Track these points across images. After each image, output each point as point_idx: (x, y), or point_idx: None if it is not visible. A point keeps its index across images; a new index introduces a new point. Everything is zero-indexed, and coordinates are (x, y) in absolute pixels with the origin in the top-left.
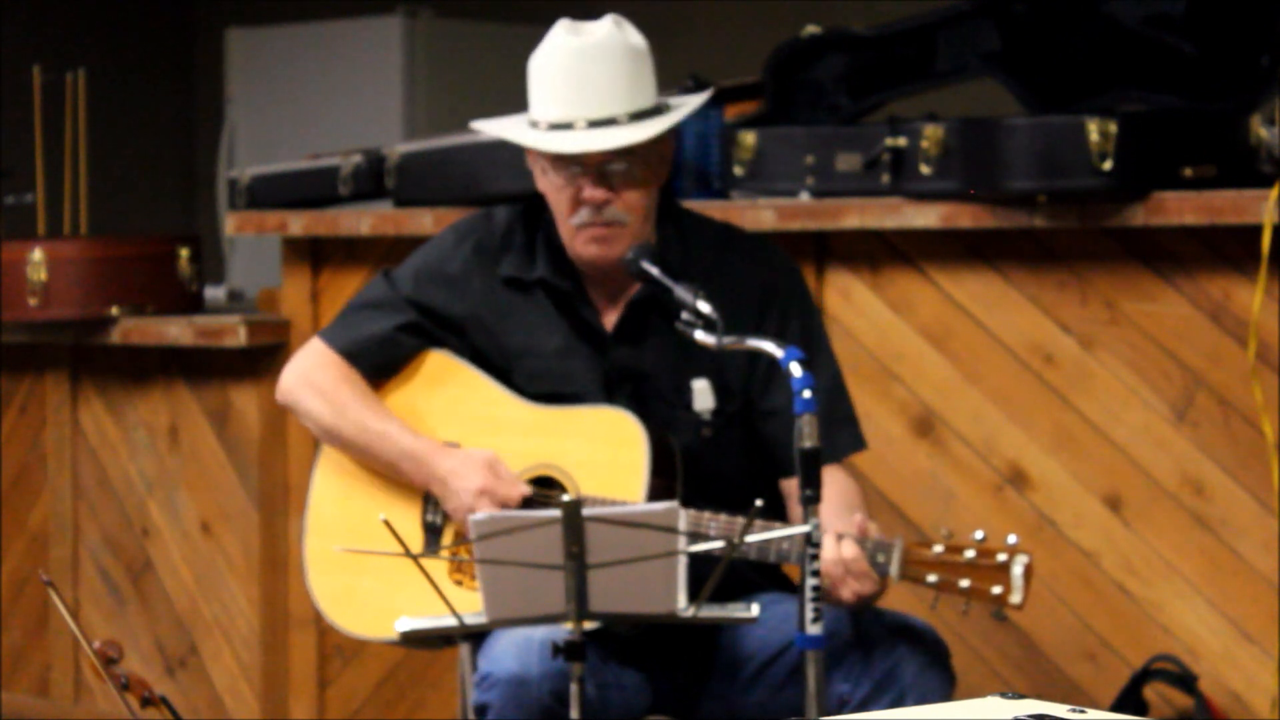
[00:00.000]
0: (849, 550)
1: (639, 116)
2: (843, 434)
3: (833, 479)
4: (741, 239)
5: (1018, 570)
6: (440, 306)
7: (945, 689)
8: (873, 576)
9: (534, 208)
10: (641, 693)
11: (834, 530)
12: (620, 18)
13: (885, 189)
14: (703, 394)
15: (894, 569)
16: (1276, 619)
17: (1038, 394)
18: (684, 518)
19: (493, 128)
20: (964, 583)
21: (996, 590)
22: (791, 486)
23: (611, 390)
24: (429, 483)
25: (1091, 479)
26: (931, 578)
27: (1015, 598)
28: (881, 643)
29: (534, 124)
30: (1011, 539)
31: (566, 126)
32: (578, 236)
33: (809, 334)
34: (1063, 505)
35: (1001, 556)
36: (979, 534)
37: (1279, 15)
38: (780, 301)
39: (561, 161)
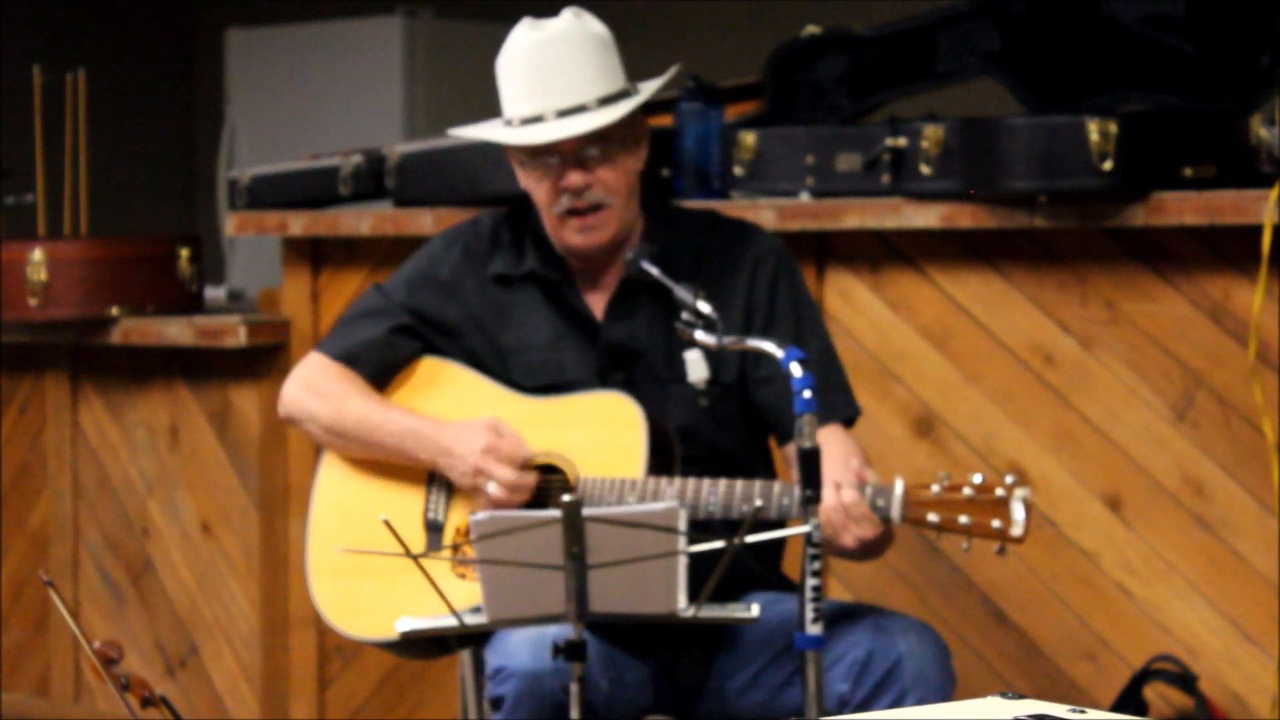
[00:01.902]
0: (848, 495)
1: (607, 101)
2: (836, 398)
3: (831, 438)
4: (725, 221)
5: (1017, 504)
6: (434, 311)
7: (945, 689)
8: (873, 520)
9: (519, 208)
10: (643, 691)
11: (832, 479)
12: (579, 9)
13: (885, 189)
14: (696, 364)
15: (895, 511)
16: (1276, 619)
17: (1038, 394)
18: (683, 518)
19: (471, 131)
20: (963, 519)
21: (996, 524)
22: (791, 452)
23: (605, 375)
24: (435, 457)
25: (1091, 479)
26: (932, 517)
27: (1016, 531)
28: (881, 643)
29: (507, 122)
30: (1009, 478)
31: (537, 119)
32: (564, 226)
33: (797, 303)
34: (1063, 505)
35: (1000, 492)
36: (977, 477)
37: (1279, 15)
38: (768, 272)
39: (538, 154)
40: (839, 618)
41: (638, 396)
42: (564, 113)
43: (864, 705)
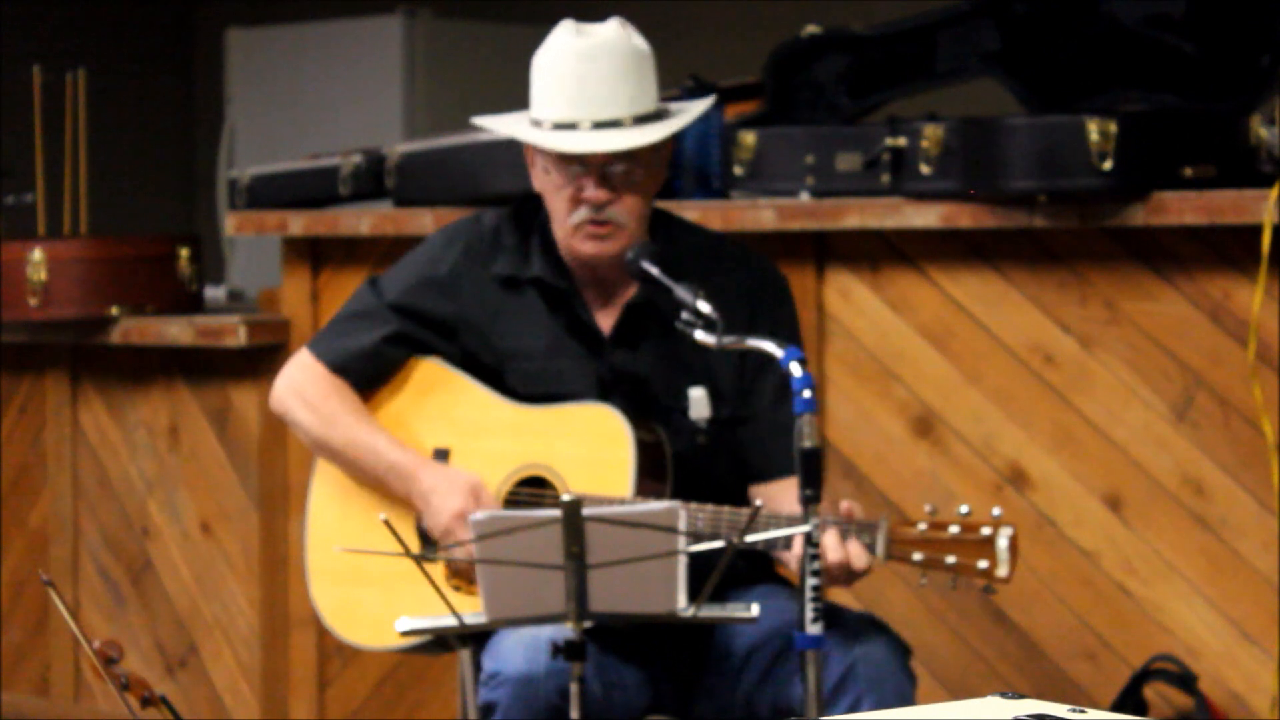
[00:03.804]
0: (856, 552)
1: (642, 120)
2: None
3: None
4: (730, 247)
5: (1003, 543)
6: (429, 310)
7: (905, 690)
8: (867, 559)
9: (524, 208)
10: (642, 691)
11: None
12: (624, 20)
13: (885, 189)
14: (699, 403)
15: (879, 550)
16: (1276, 619)
17: (1038, 394)
18: (683, 517)
19: (497, 124)
20: (950, 559)
21: (983, 565)
22: (761, 493)
23: (606, 392)
24: (412, 496)
25: (1091, 479)
26: (917, 556)
27: (1002, 571)
28: (837, 646)
29: (537, 123)
30: (996, 511)
31: (571, 126)
32: (575, 234)
33: (793, 343)
34: (1063, 505)
35: (986, 530)
36: (964, 508)
37: (1279, 15)
38: (768, 309)
39: (564, 161)
40: (794, 624)
41: (637, 419)
42: (599, 125)
43: (822, 710)
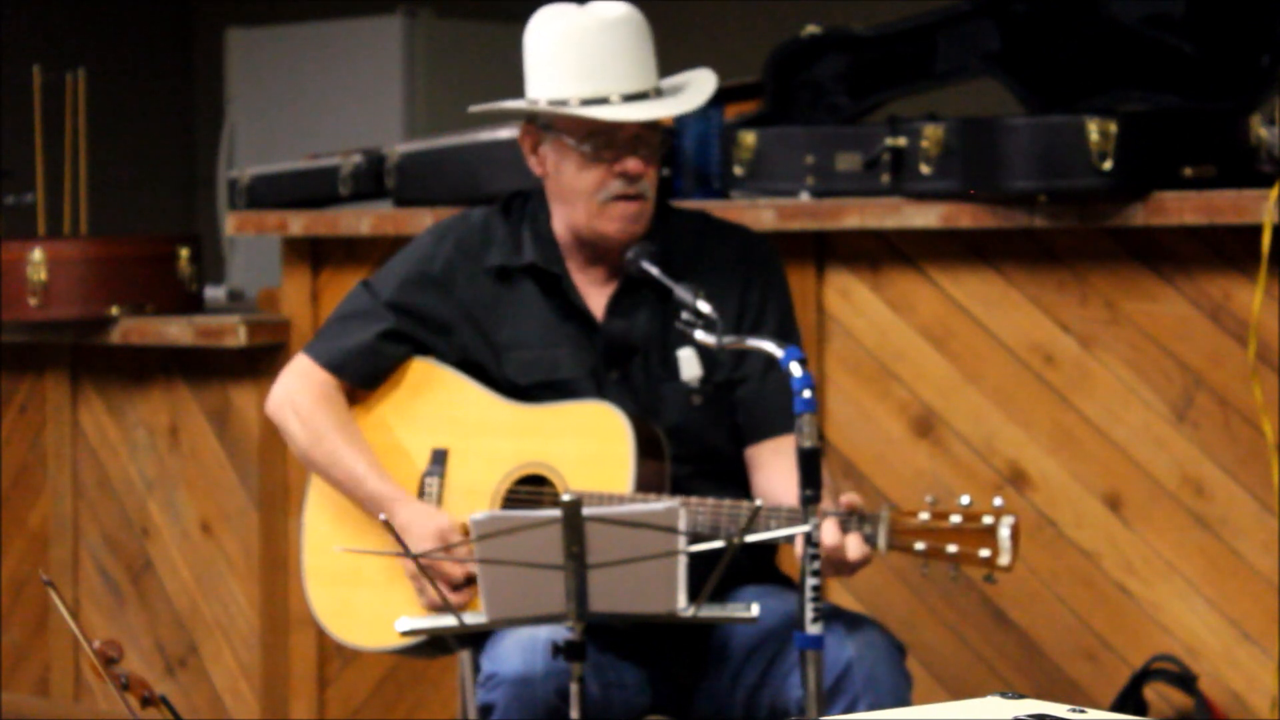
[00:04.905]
0: (854, 547)
1: (660, 91)
2: None
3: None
4: (718, 224)
5: (1004, 532)
6: (425, 308)
7: (901, 690)
8: (862, 550)
9: (512, 202)
10: (642, 692)
11: (827, 515)
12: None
13: (885, 189)
14: (689, 363)
15: (881, 540)
16: (1276, 619)
17: (1038, 394)
18: (683, 517)
19: (509, 108)
20: (951, 548)
21: (985, 553)
22: (756, 455)
23: (600, 374)
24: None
25: (1091, 479)
26: (919, 545)
27: (1004, 560)
28: (831, 647)
29: (558, 101)
30: (997, 501)
31: (601, 101)
32: (603, 213)
33: (784, 315)
34: (1063, 505)
35: (988, 519)
36: (965, 498)
37: (1279, 15)
38: (760, 281)
39: (596, 136)
40: (790, 624)
41: (632, 395)
42: (628, 97)
43: (821, 711)
